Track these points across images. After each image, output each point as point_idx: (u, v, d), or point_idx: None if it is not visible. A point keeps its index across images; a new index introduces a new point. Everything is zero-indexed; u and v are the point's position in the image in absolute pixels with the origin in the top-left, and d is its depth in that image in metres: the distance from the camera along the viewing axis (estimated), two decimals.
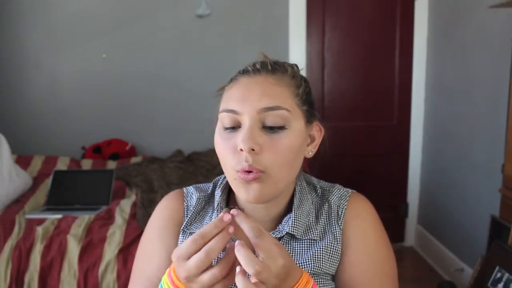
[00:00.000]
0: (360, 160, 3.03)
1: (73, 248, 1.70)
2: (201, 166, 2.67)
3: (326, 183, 0.82)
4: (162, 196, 2.24)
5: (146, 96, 2.99)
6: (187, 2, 2.90)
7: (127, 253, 1.71)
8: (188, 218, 0.77)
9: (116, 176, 2.32)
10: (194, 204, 0.79)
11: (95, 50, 2.92)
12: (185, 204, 0.80)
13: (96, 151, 2.87)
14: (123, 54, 2.95)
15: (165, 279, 0.60)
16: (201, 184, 0.85)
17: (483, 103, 2.21)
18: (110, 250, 1.71)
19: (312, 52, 3.00)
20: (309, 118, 0.73)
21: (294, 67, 0.74)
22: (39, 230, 1.77)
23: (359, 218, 0.75)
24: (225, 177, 0.79)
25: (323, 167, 0.82)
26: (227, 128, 0.69)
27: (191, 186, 0.84)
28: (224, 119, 0.68)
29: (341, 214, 0.75)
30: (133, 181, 2.36)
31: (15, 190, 2.11)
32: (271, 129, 0.66)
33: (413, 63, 2.98)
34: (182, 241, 0.74)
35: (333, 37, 2.99)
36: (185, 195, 0.81)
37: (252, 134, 0.65)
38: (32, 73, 2.92)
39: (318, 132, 0.76)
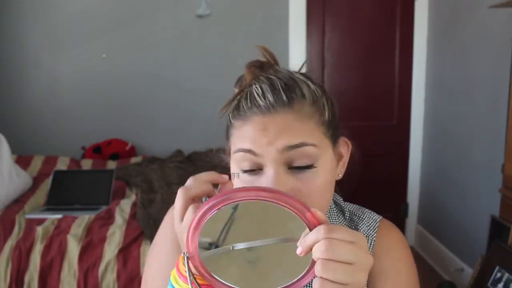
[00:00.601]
0: (360, 160, 3.03)
1: (73, 248, 1.70)
2: (201, 166, 2.67)
3: (354, 205, 0.76)
4: (162, 196, 2.23)
5: (146, 96, 2.99)
6: (187, 2, 2.90)
7: (127, 253, 1.71)
8: None
9: (116, 176, 2.32)
10: None
11: (95, 50, 2.92)
12: None
13: (96, 151, 2.87)
14: (123, 54, 2.95)
15: (174, 277, 0.56)
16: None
17: (483, 103, 2.21)
18: (110, 250, 1.71)
19: (312, 52, 3.00)
20: (335, 139, 0.65)
21: (311, 86, 0.62)
22: (39, 230, 1.77)
23: (388, 254, 0.68)
24: None
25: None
26: (246, 171, 0.60)
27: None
28: (241, 161, 0.60)
29: (370, 246, 0.69)
30: (133, 181, 2.36)
31: (15, 190, 2.11)
32: (299, 169, 0.58)
33: (413, 63, 2.98)
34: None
35: (333, 37, 3.00)
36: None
37: (279, 180, 0.57)
38: (32, 73, 2.92)
39: (344, 147, 0.68)
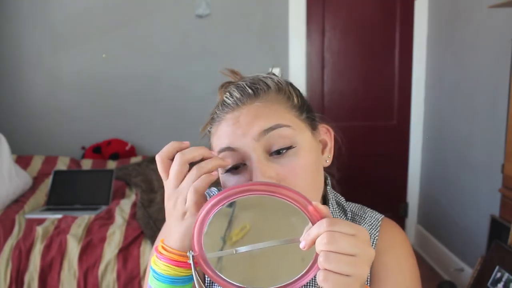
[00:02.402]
0: (360, 160, 3.04)
1: (73, 248, 1.70)
2: None
3: (356, 205, 0.76)
4: (162, 196, 2.23)
5: (146, 96, 2.99)
6: (187, 2, 2.90)
7: (127, 253, 1.71)
8: None
9: (116, 176, 2.32)
10: None
11: (95, 50, 2.92)
12: None
13: (96, 151, 2.87)
14: (123, 54, 2.95)
15: (153, 259, 0.57)
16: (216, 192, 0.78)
17: (483, 103, 2.21)
18: (110, 250, 1.71)
19: (312, 52, 3.01)
20: (313, 124, 0.66)
21: (274, 78, 0.65)
22: (39, 230, 1.77)
23: (391, 252, 0.68)
24: None
25: (341, 169, 0.75)
26: (228, 170, 0.60)
27: (214, 190, 0.77)
28: None
29: (372, 245, 0.69)
30: (133, 181, 2.36)
31: (15, 190, 2.11)
32: (279, 153, 0.59)
33: (413, 63, 2.98)
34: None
35: (333, 37, 3.00)
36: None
37: (263, 167, 0.57)
38: (32, 73, 2.92)
39: (326, 134, 0.69)
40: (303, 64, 2.97)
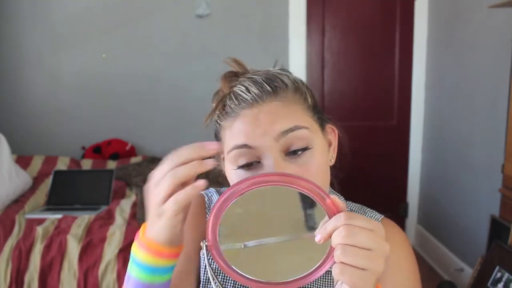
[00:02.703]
0: (360, 160, 3.04)
1: (73, 248, 1.70)
2: None
3: (356, 205, 0.76)
4: None
5: (146, 96, 2.99)
6: (187, 2, 2.90)
7: (127, 253, 1.71)
8: None
9: (116, 176, 2.32)
10: None
11: (95, 50, 2.92)
12: (208, 217, 0.74)
13: (96, 151, 2.87)
14: (123, 54, 2.95)
15: (134, 245, 0.56)
16: (222, 189, 0.76)
17: (483, 103, 2.21)
18: (110, 250, 1.71)
19: (312, 52, 3.01)
20: (322, 124, 0.66)
21: (290, 76, 0.65)
22: (39, 230, 1.77)
23: (390, 252, 0.69)
24: None
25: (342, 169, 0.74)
26: (242, 166, 0.60)
27: (212, 191, 0.76)
28: (237, 158, 0.60)
29: None
30: (133, 181, 2.36)
31: (15, 190, 2.11)
32: (295, 153, 0.59)
33: (413, 63, 2.98)
34: (206, 260, 0.70)
35: (333, 37, 3.00)
36: (207, 204, 0.74)
37: (280, 168, 0.57)
38: (32, 73, 2.92)
39: (331, 134, 0.69)
40: (303, 64, 2.97)
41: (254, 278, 0.52)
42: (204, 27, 2.93)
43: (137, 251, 0.54)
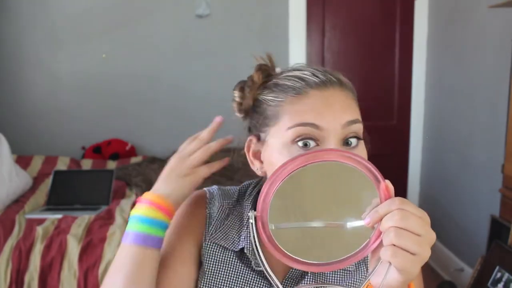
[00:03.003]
0: None
1: (73, 248, 1.70)
2: None
3: None
4: None
5: (146, 96, 2.99)
6: (187, 2, 2.90)
7: None
8: (212, 226, 0.71)
9: (116, 176, 2.32)
10: (216, 212, 0.72)
11: (95, 50, 2.92)
12: (207, 212, 0.73)
13: (96, 151, 2.87)
14: (123, 54, 2.95)
15: (134, 208, 0.65)
16: (226, 188, 0.78)
17: (483, 103, 2.21)
18: (110, 250, 1.70)
19: (312, 52, 3.00)
20: None
21: (341, 76, 0.69)
22: (39, 230, 1.77)
23: None
24: (254, 186, 0.75)
25: None
26: (300, 141, 0.60)
27: (215, 188, 0.77)
28: (299, 134, 0.60)
29: None
30: (133, 181, 2.36)
31: (15, 190, 2.11)
32: (349, 144, 0.61)
33: (413, 63, 2.98)
34: (207, 253, 0.70)
35: (333, 37, 3.00)
36: (208, 200, 0.75)
37: None
38: (32, 73, 2.92)
39: None
40: None
41: (291, 255, 0.52)
42: (204, 27, 2.93)
43: (137, 208, 0.64)
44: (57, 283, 1.66)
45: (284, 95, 0.63)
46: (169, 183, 0.65)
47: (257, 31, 2.96)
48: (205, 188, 0.78)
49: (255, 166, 0.68)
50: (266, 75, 0.69)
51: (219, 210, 0.72)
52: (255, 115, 0.68)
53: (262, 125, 0.66)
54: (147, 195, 0.65)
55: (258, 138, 0.67)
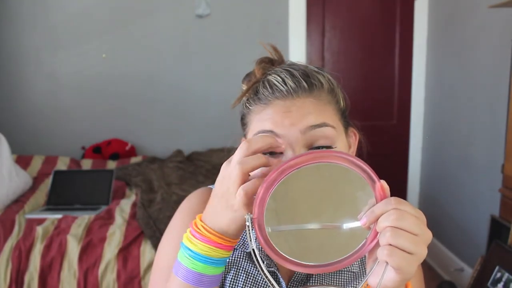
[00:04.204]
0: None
1: (73, 248, 1.70)
2: (201, 166, 2.67)
3: None
4: (162, 196, 2.23)
5: (146, 96, 2.99)
6: (187, 2, 2.90)
7: (127, 253, 1.71)
8: None
9: (116, 176, 2.32)
10: None
11: (95, 50, 2.92)
12: None
13: (96, 151, 2.87)
14: (123, 54, 2.95)
15: (186, 237, 0.56)
16: None
17: (483, 103, 2.21)
18: (110, 250, 1.71)
19: (312, 52, 3.00)
20: (346, 127, 0.69)
21: (325, 75, 0.67)
22: (39, 230, 1.77)
23: None
24: None
25: None
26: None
27: None
28: None
29: None
30: (133, 181, 2.36)
31: (15, 190, 2.11)
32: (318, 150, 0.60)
33: (413, 63, 2.98)
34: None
35: (333, 37, 3.00)
36: None
37: None
38: (32, 73, 2.92)
39: (352, 137, 0.71)
40: None
41: (289, 258, 0.52)
42: (204, 27, 2.93)
43: (193, 243, 0.55)
44: (57, 283, 1.66)
45: (254, 102, 0.64)
46: (219, 217, 0.55)
47: (257, 31, 2.96)
48: (209, 186, 0.77)
49: None
50: (269, 68, 0.67)
51: None
52: (242, 119, 0.69)
53: (244, 129, 0.67)
54: (203, 229, 0.55)
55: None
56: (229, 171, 0.53)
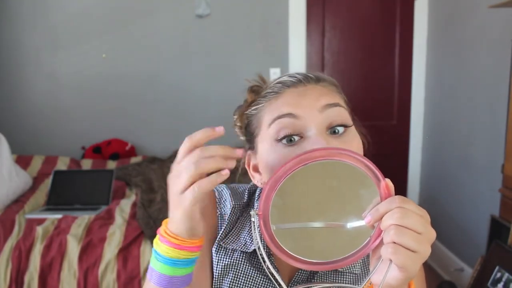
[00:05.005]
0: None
1: (73, 248, 1.70)
2: None
3: None
4: (162, 196, 2.23)
5: (146, 96, 3.00)
6: (187, 2, 2.90)
7: (127, 253, 1.71)
8: (223, 229, 0.69)
9: (116, 176, 2.32)
10: (228, 213, 0.70)
11: (95, 50, 2.92)
12: (219, 212, 0.71)
13: (96, 151, 2.87)
14: (123, 54, 2.95)
15: (155, 240, 0.56)
16: (235, 186, 0.76)
17: (483, 103, 2.21)
18: (110, 250, 1.71)
19: (312, 52, 3.00)
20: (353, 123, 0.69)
21: (326, 76, 0.69)
22: (39, 230, 1.77)
23: None
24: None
25: None
26: (284, 139, 0.59)
27: (224, 187, 0.75)
28: (279, 130, 0.59)
29: None
30: (133, 181, 2.36)
31: (15, 190, 2.11)
32: (335, 133, 0.60)
33: (413, 63, 2.98)
34: (217, 256, 0.68)
35: (333, 37, 3.00)
36: (217, 200, 0.73)
37: (324, 140, 0.57)
38: (32, 73, 2.92)
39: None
40: (303, 64, 2.96)
41: (293, 254, 0.52)
42: (204, 27, 2.93)
43: (158, 245, 0.55)
44: (57, 283, 1.66)
45: (264, 100, 0.64)
46: (171, 217, 0.54)
47: (257, 31, 2.96)
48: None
49: (255, 178, 0.68)
50: (259, 94, 0.68)
51: (232, 213, 0.70)
52: (248, 130, 0.68)
53: (253, 137, 0.66)
54: (164, 232, 0.55)
55: (254, 151, 0.67)
56: (180, 170, 0.50)
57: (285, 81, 0.64)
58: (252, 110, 0.66)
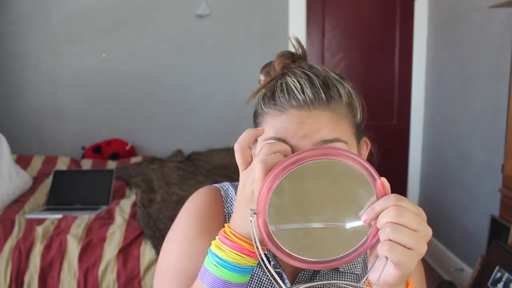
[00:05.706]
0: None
1: (73, 248, 1.70)
2: (201, 166, 2.66)
3: None
4: (162, 196, 2.23)
5: (146, 96, 3.00)
6: (187, 2, 2.90)
7: (127, 253, 1.71)
8: None
9: (116, 176, 2.32)
10: None
11: (95, 50, 2.92)
12: (226, 211, 0.71)
13: (96, 151, 2.87)
14: (123, 54, 2.95)
15: (215, 244, 0.56)
16: (237, 184, 0.75)
17: (483, 103, 2.21)
18: (110, 250, 1.71)
19: (312, 52, 3.00)
20: (359, 138, 0.68)
21: (346, 86, 0.66)
22: (39, 230, 1.77)
23: None
24: None
25: None
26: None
27: (228, 185, 0.75)
28: (272, 143, 0.59)
29: None
30: (133, 181, 2.36)
31: (15, 190, 2.11)
32: None
33: (413, 63, 2.98)
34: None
35: (333, 37, 3.00)
36: (224, 199, 0.73)
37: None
38: (32, 73, 2.92)
39: (364, 147, 0.72)
40: None
41: (291, 253, 0.52)
42: (204, 27, 2.93)
43: (223, 249, 0.55)
44: (57, 283, 1.66)
45: (269, 106, 0.63)
46: (242, 215, 0.55)
47: (257, 31, 2.96)
48: (215, 185, 0.76)
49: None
50: (289, 64, 0.66)
51: None
52: (256, 110, 0.68)
53: (256, 122, 0.67)
54: (231, 235, 0.55)
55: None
56: (252, 175, 0.53)
57: (293, 95, 0.61)
58: (262, 102, 0.65)
